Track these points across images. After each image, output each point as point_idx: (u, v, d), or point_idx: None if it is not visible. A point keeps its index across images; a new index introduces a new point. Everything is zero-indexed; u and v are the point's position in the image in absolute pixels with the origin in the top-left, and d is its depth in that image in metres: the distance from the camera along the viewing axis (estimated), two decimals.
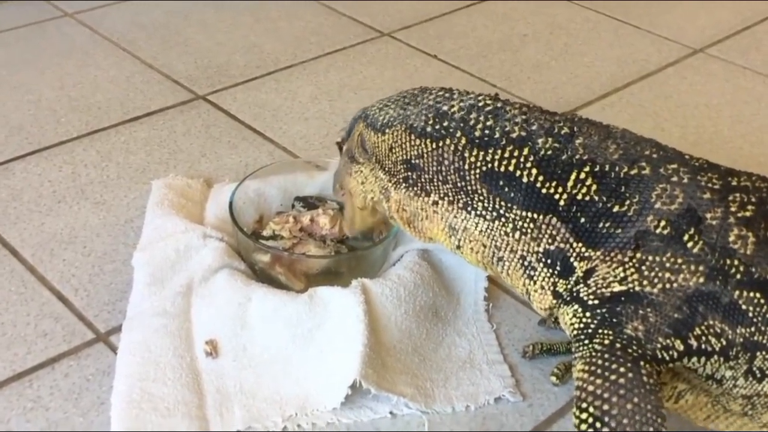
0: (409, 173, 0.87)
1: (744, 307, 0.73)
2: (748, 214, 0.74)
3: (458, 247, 0.86)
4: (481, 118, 0.84)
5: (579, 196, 0.78)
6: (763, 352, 0.73)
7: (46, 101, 1.36)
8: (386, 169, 0.89)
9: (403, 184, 0.88)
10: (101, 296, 1.00)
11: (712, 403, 0.78)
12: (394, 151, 0.88)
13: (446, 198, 0.85)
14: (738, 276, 0.73)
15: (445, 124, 0.85)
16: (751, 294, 0.73)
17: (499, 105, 0.85)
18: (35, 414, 0.86)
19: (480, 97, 0.87)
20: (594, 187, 0.78)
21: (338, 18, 1.67)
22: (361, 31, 1.63)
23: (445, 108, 0.86)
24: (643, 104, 1.43)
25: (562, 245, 0.79)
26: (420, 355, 0.93)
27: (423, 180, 0.86)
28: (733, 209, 0.75)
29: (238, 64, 1.50)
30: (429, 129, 0.85)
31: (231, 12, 1.67)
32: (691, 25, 1.70)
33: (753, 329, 0.73)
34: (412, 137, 0.86)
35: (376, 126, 0.89)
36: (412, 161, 0.86)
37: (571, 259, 0.79)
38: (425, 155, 0.85)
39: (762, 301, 0.73)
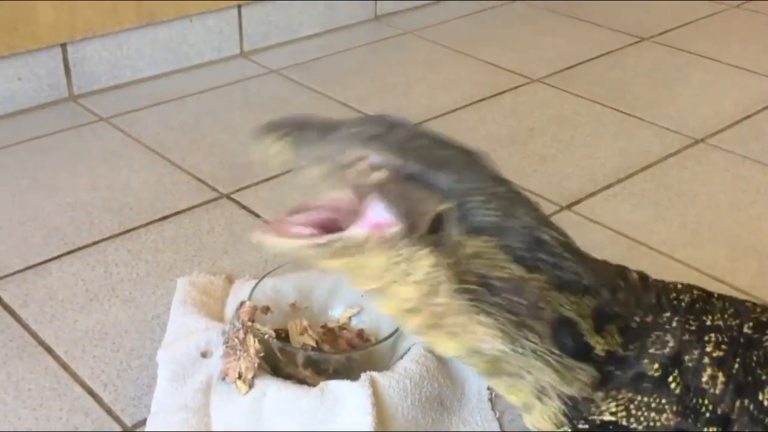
0: (481, 288, 0.79)
1: None
2: (721, 354, 0.80)
3: (472, 364, 0.83)
4: (568, 256, 0.79)
5: (610, 348, 0.81)
6: None
7: (82, 203, 1.46)
8: (456, 271, 0.79)
9: (466, 296, 0.79)
10: (128, 391, 1.07)
11: None
12: (477, 261, 0.78)
13: (502, 327, 0.79)
14: (707, 414, 0.78)
15: (541, 255, 0.78)
16: (713, 429, 0.78)
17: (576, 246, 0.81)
18: None
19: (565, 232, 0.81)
20: (619, 339, 0.81)
21: (356, 115, 1.76)
22: None
23: (545, 237, 0.79)
24: (644, 194, 1.50)
25: (581, 392, 0.81)
26: None
27: (490, 302, 0.79)
28: (708, 349, 0.80)
29: (261, 163, 1.59)
30: (525, 254, 0.78)
31: (255, 112, 1.78)
32: (693, 116, 1.77)
33: None
34: (505, 257, 0.78)
35: (470, 224, 0.77)
36: (491, 281, 0.78)
37: (582, 401, 0.81)
38: (510, 280, 0.78)
39: None
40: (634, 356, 0.81)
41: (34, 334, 1.16)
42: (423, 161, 0.78)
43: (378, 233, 0.78)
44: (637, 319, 0.82)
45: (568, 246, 0.81)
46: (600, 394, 0.81)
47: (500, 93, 1.87)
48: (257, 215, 1.44)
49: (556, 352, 0.80)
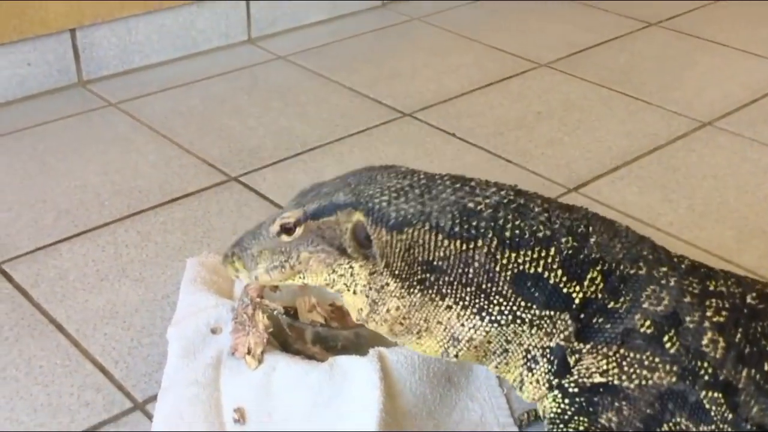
0: (427, 275, 0.82)
1: (707, 406, 0.79)
2: (722, 319, 0.80)
3: (456, 356, 0.85)
4: (510, 217, 0.82)
5: (589, 294, 0.82)
6: None
7: (92, 186, 1.47)
8: (396, 270, 0.83)
9: (417, 287, 0.83)
10: (139, 367, 1.08)
11: None
12: (412, 251, 0.82)
13: (461, 302, 0.83)
14: (706, 377, 0.79)
15: (475, 223, 0.81)
16: (715, 394, 0.79)
17: (522, 201, 0.84)
18: None
19: (503, 192, 0.84)
20: (601, 285, 0.82)
21: (362, 100, 1.78)
22: (384, 113, 1.73)
23: (471, 205, 0.82)
24: (652, 177, 1.50)
25: (563, 342, 0.83)
26: (434, 418, 0.99)
27: (441, 282, 0.82)
28: (709, 314, 0.80)
29: (269, 147, 1.60)
30: (458, 229, 0.81)
31: (263, 98, 1.78)
32: (700, 100, 1.77)
33: (713, 427, 0.79)
34: (439, 237, 0.81)
35: (389, 222, 0.82)
36: (434, 263, 0.82)
37: (567, 355, 0.83)
38: (452, 257, 0.81)
39: (723, 401, 0.79)
40: (624, 310, 0.81)
41: (45, 313, 1.17)
42: (319, 198, 0.87)
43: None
44: (627, 267, 0.82)
45: (517, 204, 0.83)
46: (587, 346, 0.82)
47: (507, 78, 1.87)
48: (265, 197, 1.44)
49: (526, 305, 0.81)
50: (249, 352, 1.01)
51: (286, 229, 0.88)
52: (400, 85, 1.84)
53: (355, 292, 0.86)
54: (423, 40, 2.07)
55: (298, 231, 0.88)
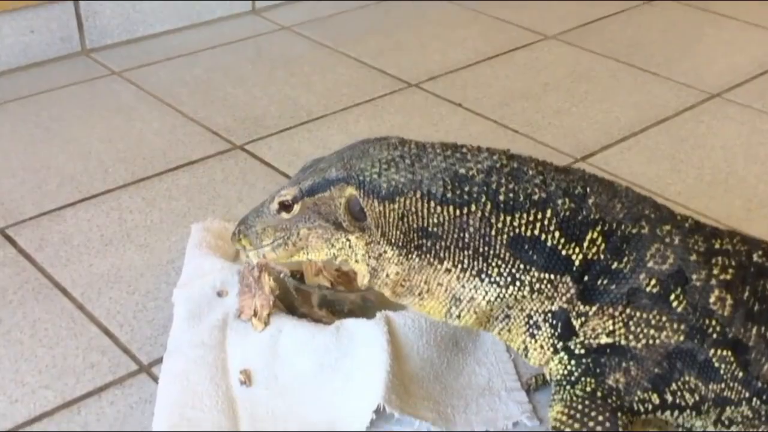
0: (424, 241, 0.83)
1: (717, 364, 0.78)
2: (728, 277, 0.79)
3: (458, 317, 0.85)
4: (503, 181, 0.82)
5: (590, 255, 0.81)
6: (732, 407, 0.78)
7: (96, 153, 1.46)
8: (392, 238, 0.84)
9: (415, 253, 0.84)
10: (144, 331, 1.07)
11: None
12: (406, 220, 0.83)
13: (460, 265, 0.83)
14: (714, 335, 0.78)
15: (467, 188, 0.82)
16: (724, 352, 0.78)
17: (515, 165, 0.84)
18: None
19: (495, 157, 0.84)
20: (603, 246, 0.81)
21: (368, 70, 1.76)
22: (389, 83, 1.71)
23: (463, 171, 0.83)
24: (660, 147, 1.49)
25: (566, 305, 0.82)
26: (441, 382, 0.98)
27: (438, 247, 0.83)
28: (715, 272, 0.79)
29: (274, 116, 1.59)
30: (450, 195, 0.82)
31: (267, 67, 1.77)
32: (709, 72, 1.75)
33: (723, 385, 0.78)
34: (431, 204, 0.82)
35: (380, 193, 0.83)
36: (429, 229, 0.83)
37: (572, 318, 0.82)
38: (446, 223, 0.82)
39: (732, 359, 0.78)
40: (629, 270, 0.80)
41: (49, 277, 1.16)
42: (313, 175, 0.88)
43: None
44: (629, 227, 0.81)
45: (510, 168, 0.82)
46: (593, 308, 0.81)
47: (514, 49, 1.86)
48: (271, 165, 1.43)
49: (524, 267, 0.81)
50: (255, 315, 1.00)
51: (285, 207, 0.90)
52: (406, 56, 1.82)
53: (357, 261, 0.87)
54: (429, 12, 2.05)
55: (296, 208, 0.89)
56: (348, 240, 0.87)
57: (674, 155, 1.47)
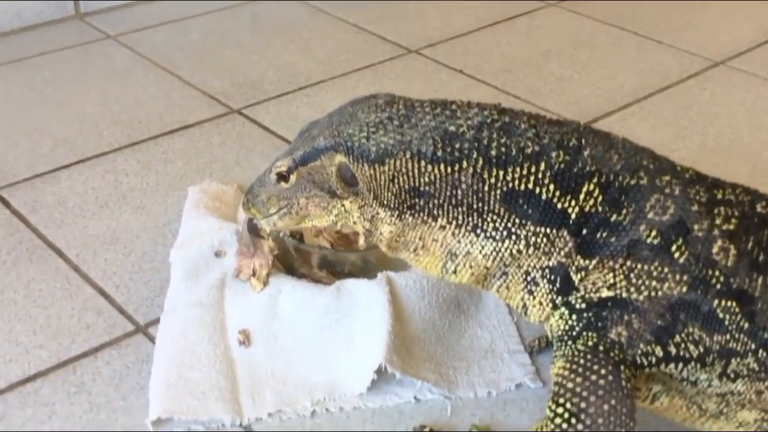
0: (416, 200, 0.82)
1: (721, 315, 0.76)
2: (731, 227, 0.77)
3: (454, 272, 0.84)
4: (494, 136, 0.80)
5: (587, 208, 0.79)
6: (737, 358, 0.76)
7: (90, 116, 1.43)
8: (385, 200, 0.83)
9: (408, 213, 0.83)
10: (140, 292, 1.05)
11: (687, 406, 0.81)
12: (397, 181, 0.82)
13: (455, 222, 0.82)
14: (718, 286, 0.76)
15: (458, 146, 0.80)
16: (729, 303, 0.76)
17: (507, 120, 0.82)
18: (79, 397, 0.91)
19: (485, 112, 0.82)
20: (600, 198, 0.79)
21: (367, 36, 1.74)
22: (389, 49, 1.69)
23: (453, 128, 0.81)
24: (663, 114, 1.47)
25: (564, 259, 0.80)
26: (443, 344, 0.97)
27: (431, 206, 0.82)
28: (717, 222, 0.77)
29: (271, 80, 1.56)
30: (441, 153, 0.80)
31: (265, 33, 1.74)
32: (713, 40, 1.73)
33: (728, 337, 0.76)
34: (422, 164, 0.81)
35: (369, 157, 0.82)
36: (421, 188, 0.82)
37: (571, 273, 0.80)
38: (438, 181, 0.81)
39: (737, 309, 0.76)
40: (628, 221, 0.78)
41: (43, 238, 1.14)
42: (302, 145, 0.87)
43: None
44: (627, 178, 0.79)
45: (502, 123, 0.81)
46: (593, 262, 0.79)
47: (515, 16, 1.83)
48: (269, 130, 1.41)
49: (520, 222, 0.80)
50: (254, 275, 0.99)
51: (282, 177, 0.89)
52: (406, 22, 1.80)
53: (355, 223, 0.87)
54: None
55: (292, 178, 0.88)
56: (343, 206, 0.86)
57: (678, 122, 1.45)
